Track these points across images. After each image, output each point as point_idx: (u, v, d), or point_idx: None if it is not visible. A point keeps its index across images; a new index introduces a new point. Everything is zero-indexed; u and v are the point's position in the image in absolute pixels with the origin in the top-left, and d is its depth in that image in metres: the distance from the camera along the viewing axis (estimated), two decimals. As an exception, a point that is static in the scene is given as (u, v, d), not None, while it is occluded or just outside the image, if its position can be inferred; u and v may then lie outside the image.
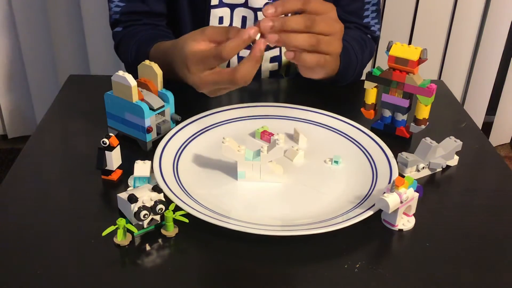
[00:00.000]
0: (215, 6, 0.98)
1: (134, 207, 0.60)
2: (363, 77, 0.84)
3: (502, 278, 0.59)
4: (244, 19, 1.00)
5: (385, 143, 0.77)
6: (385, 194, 0.62)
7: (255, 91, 0.99)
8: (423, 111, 0.79)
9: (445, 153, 0.75)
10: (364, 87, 0.83)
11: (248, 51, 0.69)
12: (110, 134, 0.70)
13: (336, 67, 0.88)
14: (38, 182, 0.72)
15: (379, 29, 1.06)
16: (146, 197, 0.61)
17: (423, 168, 0.74)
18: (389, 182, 0.68)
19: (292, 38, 0.68)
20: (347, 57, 0.91)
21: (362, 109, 0.85)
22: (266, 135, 0.80)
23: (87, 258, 0.59)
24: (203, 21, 0.99)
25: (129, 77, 0.74)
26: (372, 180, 0.72)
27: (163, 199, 0.62)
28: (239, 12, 1.00)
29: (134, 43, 0.95)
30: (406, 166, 0.73)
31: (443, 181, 0.75)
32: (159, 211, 0.61)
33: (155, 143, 0.76)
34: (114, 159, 0.70)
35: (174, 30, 1.02)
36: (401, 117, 0.83)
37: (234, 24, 1.00)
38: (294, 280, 0.58)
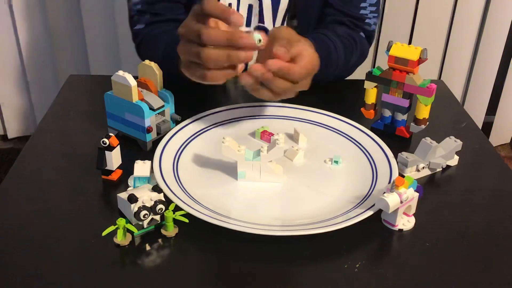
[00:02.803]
0: None
1: (134, 207, 0.60)
2: (363, 77, 0.84)
3: (502, 277, 0.59)
4: (250, 7, 1.00)
5: (385, 143, 0.77)
6: (385, 194, 0.62)
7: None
8: (423, 111, 0.79)
9: (445, 153, 0.75)
10: (364, 87, 0.83)
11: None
12: (110, 134, 0.70)
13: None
14: (38, 182, 0.72)
15: (375, 24, 1.03)
16: (146, 197, 0.61)
17: (423, 168, 0.74)
18: (389, 182, 0.68)
19: (274, 83, 0.68)
20: (326, 54, 0.90)
21: (362, 109, 0.85)
22: (266, 135, 0.80)
23: (87, 258, 0.59)
24: None
25: (129, 77, 0.74)
26: (372, 180, 0.72)
27: (163, 199, 0.62)
28: (245, 1, 1.00)
29: (163, 40, 0.91)
30: (406, 166, 0.73)
31: (443, 181, 0.75)
32: (159, 211, 0.61)
33: (155, 143, 0.76)
34: (114, 159, 0.70)
35: None
36: (401, 117, 0.83)
37: (240, 10, 1.00)
38: (294, 280, 0.58)
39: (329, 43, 0.92)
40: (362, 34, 1.02)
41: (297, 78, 0.69)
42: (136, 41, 1.00)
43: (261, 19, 1.01)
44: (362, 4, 1.00)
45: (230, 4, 0.99)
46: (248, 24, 1.02)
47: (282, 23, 1.02)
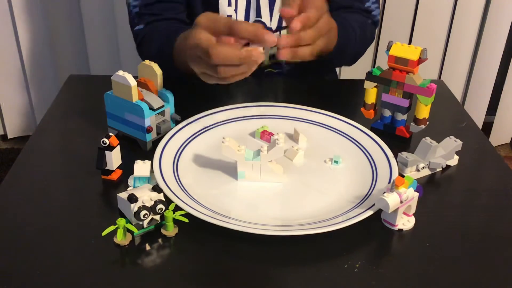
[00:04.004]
0: None
1: (134, 207, 0.60)
2: (363, 77, 0.84)
3: (502, 277, 0.59)
4: (248, 2, 1.01)
5: (385, 143, 0.77)
6: (385, 194, 0.62)
7: (255, 91, 0.99)
8: (423, 111, 0.79)
9: (445, 153, 0.75)
10: (364, 87, 0.83)
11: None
12: (110, 134, 0.70)
13: (331, 44, 0.87)
14: (38, 182, 0.72)
15: (379, 14, 1.07)
16: (146, 197, 0.61)
17: (423, 168, 0.74)
18: (389, 182, 0.68)
19: (299, 53, 0.71)
20: (345, 35, 0.91)
21: (362, 109, 0.85)
22: (266, 135, 0.80)
23: (87, 258, 0.59)
24: None
25: (129, 77, 0.74)
26: (372, 180, 0.72)
27: (163, 199, 0.62)
28: None
29: (158, 37, 0.94)
30: (406, 166, 0.73)
31: (443, 181, 0.75)
32: (159, 211, 0.61)
33: (155, 143, 0.76)
34: (114, 159, 0.70)
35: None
36: (401, 117, 0.83)
37: (239, 7, 1.01)
38: (294, 280, 0.58)
39: (345, 24, 0.93)
40: (369, 21, 1.04)
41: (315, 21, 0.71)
42: (137, 41, 1.02)
43: (258, 13, 1.01)
44: None
45: (230, 1, 1.00)
46: (246, 18, 1.02)
47: (280, 20, 1.02)
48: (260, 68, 1.05)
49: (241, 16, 1.02)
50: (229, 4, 1.00)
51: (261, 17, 1.02)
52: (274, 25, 1.03)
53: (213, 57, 0.66)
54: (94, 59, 1.87)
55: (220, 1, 0.99)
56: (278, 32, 1.00)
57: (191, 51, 0.71)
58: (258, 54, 0.67)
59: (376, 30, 1.08)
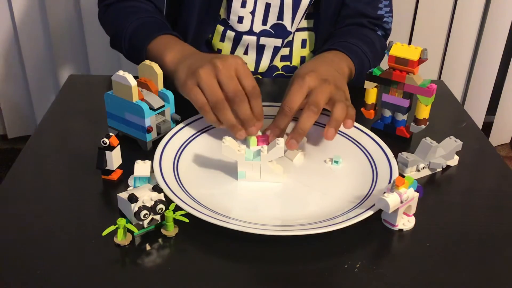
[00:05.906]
0: None
1: (134, 207, 0.60)
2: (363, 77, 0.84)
3: (501, 278, 0.59)
4: (268, 6, 0.99)
5: (385, 143, 0.77)
6: (385, 194, 0.62)
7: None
8: (423, 111, 0.79)
9: (445, 153, 0.75)
10: (364, 87, 0.83)
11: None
12: (110, 134, 0.70)
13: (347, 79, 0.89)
14: (38, 182, 0.72)
15: (391, 22, 1.06)
16: (146, 197, 0.61)
17: (423, 168, 0.74)
18: (389, 182, 0.68)
19: (303, 127, 0.74)
20: (359, 61, 0.93)
21: (362, 109, 0.85)
22: (260, 140, 0.78)
23: (87, 258, 0.59)
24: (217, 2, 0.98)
25: (129, 77, 0.74)
26: (372, 180, 0.72)
27: (163, 199, 0.62)
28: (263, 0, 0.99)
29: (128, 27, 0.91)
30: (406, 166, 0.73)
31: (443, 181, 0.75)
32: (159, 211, 0.61)
33: (155, 143, 0.76)
34: (114, 159, 0.70)
35: (177, 11, 1.01)
36: (401, 117, 0.83)
37: (257, 11, 0.99)
38: (294, 280, 0.58)
39: (360, 53, 0.94)
40: (379, 32, 1.04)
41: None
42: (103, 3, 0.99)
43: (280, 17, 1.00)
44: (380, 5, 1.03)
45: (244, 2, 0.98)
46: (264, 22, 1.01)
47: (299, 24, 1.02)
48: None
49: (258, 19, 1.00)
50: (243, 6, 0.98)
51: (282, 20, 1.00)
52: (293, 29, 1.02)
53: (241, 112, 0.73)
54: (94, 59, 1.87)
55: (233, 2, 0.98)
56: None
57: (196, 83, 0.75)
58: (242, 136, 0.74)
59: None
